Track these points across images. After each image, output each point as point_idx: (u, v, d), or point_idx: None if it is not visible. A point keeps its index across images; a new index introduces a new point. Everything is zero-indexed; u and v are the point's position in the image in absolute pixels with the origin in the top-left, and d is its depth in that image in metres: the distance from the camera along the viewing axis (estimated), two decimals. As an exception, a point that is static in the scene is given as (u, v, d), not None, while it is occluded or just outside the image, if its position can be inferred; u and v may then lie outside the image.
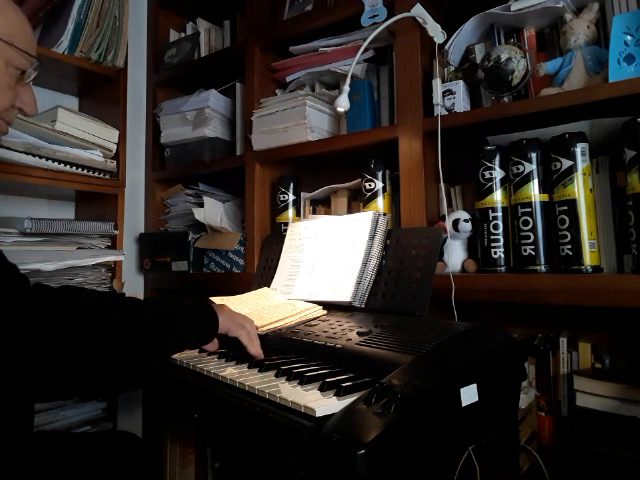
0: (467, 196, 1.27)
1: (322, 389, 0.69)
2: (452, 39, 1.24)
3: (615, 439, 0.94)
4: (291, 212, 1.50)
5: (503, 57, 1.09)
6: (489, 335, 0.79)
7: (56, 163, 1.43)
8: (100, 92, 1.71)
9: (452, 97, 1.19)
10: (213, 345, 0.94)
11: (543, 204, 1.05)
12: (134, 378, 0.92)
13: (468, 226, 1.15)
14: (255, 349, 0.91)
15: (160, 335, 0.80)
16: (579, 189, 0.99)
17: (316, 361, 0.84)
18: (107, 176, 1.59)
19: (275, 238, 1.44)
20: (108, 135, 1.59)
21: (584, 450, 0.96)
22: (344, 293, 1.09)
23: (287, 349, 0.93)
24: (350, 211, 1.45)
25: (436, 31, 1.20)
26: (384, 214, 1.16)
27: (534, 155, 1.05)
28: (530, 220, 1.04)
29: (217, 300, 1.18)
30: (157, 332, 0.80)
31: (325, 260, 1.20)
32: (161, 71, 1.86)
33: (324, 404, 0.63)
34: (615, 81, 0.95)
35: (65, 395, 0.93)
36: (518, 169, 1.06)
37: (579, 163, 1.00)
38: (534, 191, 1.05)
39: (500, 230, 1.09)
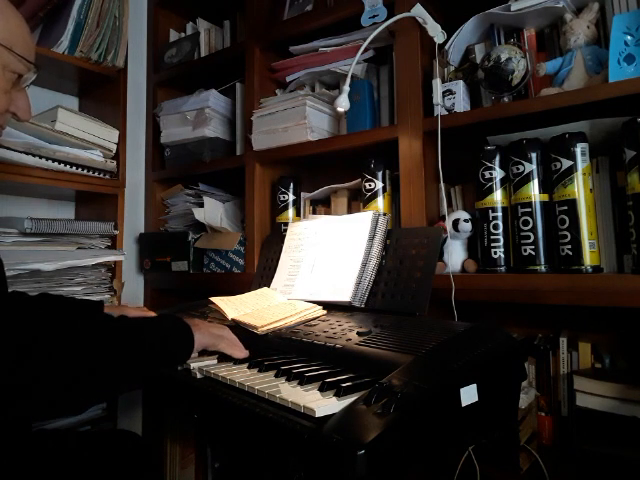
0: (467, 196, 1.27)
1: (322, 389, 0.69)
2: (452, 39, 1.24)
3: (615, 439, 0.94)
4: (291, 212, 1.50)
5: (503, 57, 1.09)
6: (489, 335, 0.79)
7: (56, 163, 1.43)
8: (100, 92, 1.71)
9: (452, 97, 1.19)
10: None
11: (543, 204, 1.05)
12: (105, 397, 0.87)
13: (468, 226, 1.15)
14: (239, 352, 0.91)
15: (132, 357, 0.76)
16: (579, 189, 0.99)
17: (316, 361, 0.84)
18: (107, 176, 1.59)
19: (275, 238, 1.44)
20: (108, 135, 1.59)
21: (584, 450, 0.96)
22: (344, 293, 1.09)
23: (287, 349, 0.93)
24: (350, 211, 1.45)
25: (436, 31, 1.20)
26: (384, 214, 1.16)
27: (534, 155, 1.05)
28: (530, 220, 1.04)
29: (217, 300, 1.18)
30: (129, 354, 0.76)
31: (325, 260, 1.20)
32: (161, 71, 1.86)
33: (324, 404, 0.63)
34: (615, 81, 0.95)
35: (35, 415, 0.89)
36: (518, 169, 1.06)
37: (579, 163, 1.00)
38: (534, 191, 1.05)
39: (500, 230, 1.09)
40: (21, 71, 0.84)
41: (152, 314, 1.16)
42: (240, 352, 0.91)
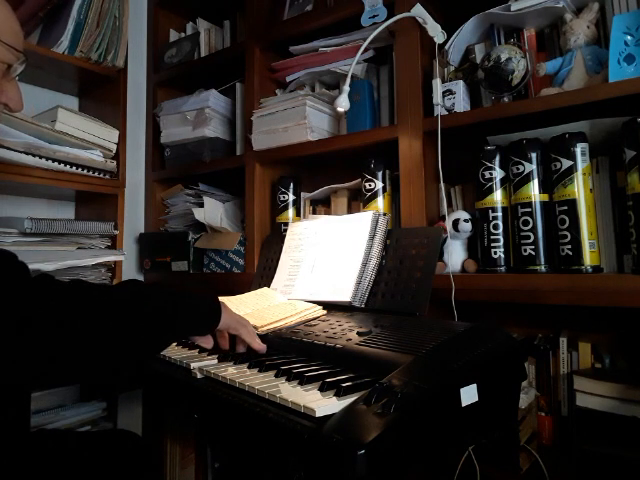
0: (467, 196, 1.27)
1: (322, 389, 0.69)
2: (452, 39, 1.24)
3: (615, 439, 0.94)
4: (291, 212, 1.50)
5: (503, 57, 1.09)
6: (489, 335, 0.79)
7: (56, 163, 1.43)
8: (100, 92, 1.71)
9: (452, 97, 1.19)
10: (207, 341, 0.94)
11: (543, 204, 1.05)
12: (137, 364, 0.90)
13: (468, 226, 1.15)
14: (258, 344, 0.92)
15: (164, 317, 0.80)
16: (579, 189, 0.99)
17: (316, 361, 0.84)
18: (107, 176, 1.59)
19: (275, 238, 1.44)
20: (108, 135, 1.59)
21: (584, 450, 0.96)
22: (344, 293, 1.09)
23: (287, 349, 0.93)
24: (350, 211, 1.45)
25: (436, 31, 1.20)
26: (384, 214, 1.16)
27: (534, 155, 1.05)
28: (530, 220, 1.04)
29: (217, 300, 1.18)
30: (161, 315, 0.79)
31: (325, 260, 1.20)
32: (161, 71, 1.86)
33: (324, 404, 0.63)
34: (615, 81, 0.95)
35: (64, 381, 0.93)
36: (518, 169, 1.06)
37: (579, 163, 1.00)
38: (534, 191, 1.05)
39: (500, 230, 1.09)
40: (10, 60, 0.83)
41: None
42: (259, 345, 0.92)
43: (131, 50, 1.70)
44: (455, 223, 1.16)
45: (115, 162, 1.60)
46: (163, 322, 0.80)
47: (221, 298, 1.19)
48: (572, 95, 0.99)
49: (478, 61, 1.20)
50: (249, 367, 0.84)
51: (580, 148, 1.00)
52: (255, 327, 1.01)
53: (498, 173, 1.10)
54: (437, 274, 1.05)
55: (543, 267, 1.03)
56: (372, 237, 1.13)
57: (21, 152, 1.35)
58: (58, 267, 1.41)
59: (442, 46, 1.25)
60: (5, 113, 0.91)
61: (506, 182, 1.10)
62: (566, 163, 1.00)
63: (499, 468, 1.00)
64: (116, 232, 1.60)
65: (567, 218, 1.00)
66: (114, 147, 1.60)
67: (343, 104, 1.25)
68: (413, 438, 0.60)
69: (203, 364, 0.87)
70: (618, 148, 0.97)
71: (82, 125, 1.51)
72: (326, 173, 1.58)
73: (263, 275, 1.39)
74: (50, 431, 1.08)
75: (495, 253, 1.09)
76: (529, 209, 1.05)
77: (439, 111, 1.17)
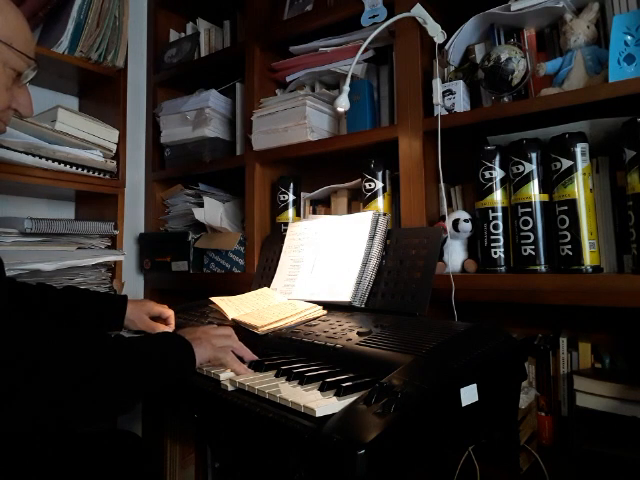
0: (467, 196, 1.27)
1: (322, 389, 0.69)
2: (452, 39, 1.24)
3: (615, 439, 0.94)
4: (291, 212, 1.50)
5: (503, 57, 1.09)
6: (489, 335, 0.79)
7: (56, 163, 1.43)
8: (100, 92, 1.71)
9: (452, 97, 1.19)
10: None
11: (543, 204, 1.05)
12: (100, 417, 0.85)
13: (468, 226, 1.15)
14: (244, 370, 0.83)
15: (129, 378, 0.74)
16: (579, 189, 0.99)
17: (316, 361, 0.84)
18: (107, 176, 1.59)
19: (275, 238, 1.44)
20: (108, 135, 1.58)
21: (584, 450, 0.96)
22: (344, 293, 1.09)
23: (287, 349, 0.93)
24: (350, 211, 1.45)
25: (436, 31, 1.20)
26: (384, 214, 1.16)
27: (534, 155, 1.05)
28: (530, 220, 1.04)
29: (217, 300, 1.18)
30: (126, 375, 0.74)
31: (325, 260, 1.20)
32: (161, 71, 1.86)
33: (324, 404, 0.63)
34: (615, 81, 0.95)
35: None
36: (518, 169, 1.06)
37: (579, 163, 1.00)
38: (534, 191, 1.05)
39: (500, 230, 1.09)
40: (21, 68, 0.84)
41: (171, 312, 1.16)
42: (245, 370, 0.83)
43: (131, 50, 1.70)
44: (455, 223, 1.16)
45: (115, 162, 1.60)
46: (131, 388, 0.75)
47: (221, 298, 1.20)
48: (572, 95, 0.99)
49: (478, 61, 1.20)
50: (249, 367, 0.84)
51: (580, 148, 1.00)
52: (255, 327, 1.01)
53: (498, 173, 1.10)
54: (437, 274, 1.05)
55: (543, 267, 1.03)
56: (372, 237, 1.13)
57: (21, 152, 1.35)
58: (58, 267, 1.41)
59: (442, 46, 1.24)
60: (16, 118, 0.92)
61: (506, 182, 1.10)
62: (566, 163, 1.00)
63: (499, 468, 0.99)
64: (116, 232, 1.60)
65: (567, 218, 1.00)
66: (114, 147, 1.60)
67: (343, 104, 1.25)
68: (413, 438, 0.60)
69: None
70: (618, 148, 0.97)
71: (82, 125, 1.51)
72: (326, 173, 1.58)
73: (263, 275, 1.39)
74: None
75: (495, 253, 1.09)
76: (529, 209, 1.05)
77: (439, 111, 1.17)
